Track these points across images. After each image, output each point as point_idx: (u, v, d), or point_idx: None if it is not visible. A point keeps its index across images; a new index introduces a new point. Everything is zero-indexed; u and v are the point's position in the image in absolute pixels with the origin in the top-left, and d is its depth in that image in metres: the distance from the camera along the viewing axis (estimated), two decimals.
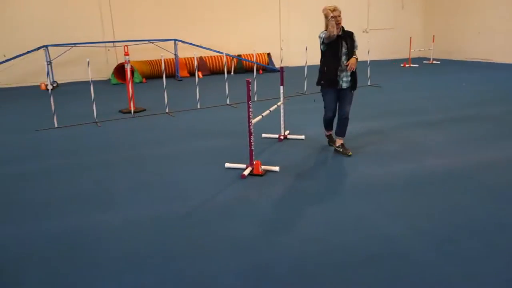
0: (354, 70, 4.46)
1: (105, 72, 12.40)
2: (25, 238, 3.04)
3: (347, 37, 4.46)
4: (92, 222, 3.24)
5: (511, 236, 2.81)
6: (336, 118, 4.73)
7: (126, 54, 7.23)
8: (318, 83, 4.67)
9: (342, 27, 4.47)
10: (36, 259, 2.74)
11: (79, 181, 4.18)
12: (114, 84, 11.47)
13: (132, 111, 7.34)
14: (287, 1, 14.27)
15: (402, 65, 13.45)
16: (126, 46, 7.32)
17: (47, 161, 4.87)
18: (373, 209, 3.29)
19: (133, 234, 3.04)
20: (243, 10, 13.87)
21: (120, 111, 7.56)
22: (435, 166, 4.18)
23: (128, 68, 7.30)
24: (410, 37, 14.02)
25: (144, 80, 11.83)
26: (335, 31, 4.28)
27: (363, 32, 15.18)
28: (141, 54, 12.05)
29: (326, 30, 4.38)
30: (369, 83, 9.55)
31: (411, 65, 13.27)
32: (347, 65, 4.42)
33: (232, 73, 12.84)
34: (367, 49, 9.51)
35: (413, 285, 2.35)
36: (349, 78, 4.49)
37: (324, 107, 4.73)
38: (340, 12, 4.37)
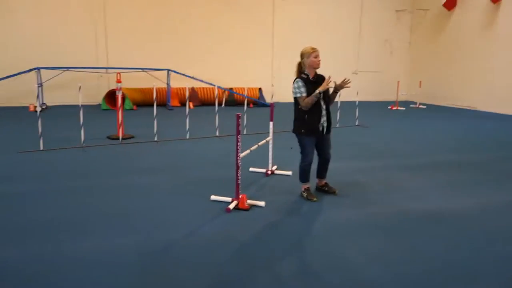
0: (329, 111, 4.39)
1: (96, 97, 12.42)
2: None
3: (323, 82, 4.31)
4: (63, 251, 3.12)
5: (487, 283, 2.80)
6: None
7: (119, 81, 7.28)
8: (297, 131, 4.37)
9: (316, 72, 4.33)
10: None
11: (55, 206, 4.06)
12: (104, 110, 11.47)
13: (120, 137, 7.30)
14: (280, 38, 14.71)
15: (389, 107, 13.79)
16: (119, 73, 7.39)
17: (23, 185, 4.75)
18: (353, 251, 3.25)
19: (99, 266, 2.90)
20: (237, 46, 14.23)
21: (108, 137, 7.51)
22: (416, 211, 4.19)
23: (119, 95, 7.33)
24: (398, 81, 14.47)
25: (135, 107, 11.88)
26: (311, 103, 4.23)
27: (353, 73, 15.63)
28: (133, 81, 12.16)
29: (299, 79, 4.23)
30: (357, 123, 9.73)
31: (398, 108, 13.61)
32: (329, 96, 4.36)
33: (223, 105, 12.96)
34: (356, 90, 9.75)
35: None
36: (326, 120, 4.37)
37: (302, 152, 4.42)
38: (318, 53, 4.22)
